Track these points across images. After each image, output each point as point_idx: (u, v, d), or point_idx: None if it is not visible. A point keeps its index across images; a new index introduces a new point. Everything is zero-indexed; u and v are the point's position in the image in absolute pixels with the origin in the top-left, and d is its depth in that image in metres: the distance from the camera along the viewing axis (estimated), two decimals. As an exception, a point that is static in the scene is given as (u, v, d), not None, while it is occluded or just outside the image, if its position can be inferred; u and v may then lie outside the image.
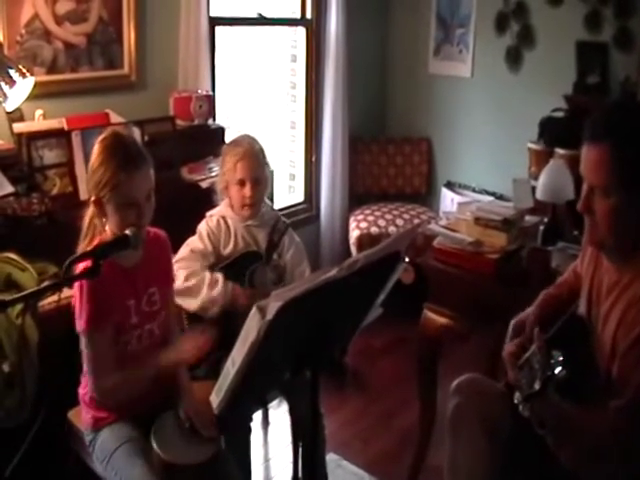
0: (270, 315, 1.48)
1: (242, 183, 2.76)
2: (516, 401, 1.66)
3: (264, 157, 2.84)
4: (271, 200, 3.30)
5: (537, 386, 1.61)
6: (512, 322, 2.13)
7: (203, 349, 2.23)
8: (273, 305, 1.49)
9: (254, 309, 1.51)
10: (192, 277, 2.66)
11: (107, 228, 2.15)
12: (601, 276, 1.90)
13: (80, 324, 2.10)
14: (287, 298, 1.51)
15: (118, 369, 2.16)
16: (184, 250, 2.72)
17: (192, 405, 2.21)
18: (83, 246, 2.15)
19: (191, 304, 2.65)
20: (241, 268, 2.76)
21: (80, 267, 1.92)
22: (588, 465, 1.75)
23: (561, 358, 1.58)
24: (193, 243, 2.76)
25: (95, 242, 2.13)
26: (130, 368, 2.16)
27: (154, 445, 2.12)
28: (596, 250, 1.95)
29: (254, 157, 2.78)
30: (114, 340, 2.18)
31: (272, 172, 2.93)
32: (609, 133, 1.73)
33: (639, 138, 1.72)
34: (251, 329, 1.52)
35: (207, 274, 2.69)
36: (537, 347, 1.72)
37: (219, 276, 2.70)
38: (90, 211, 2.17)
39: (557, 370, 1.58)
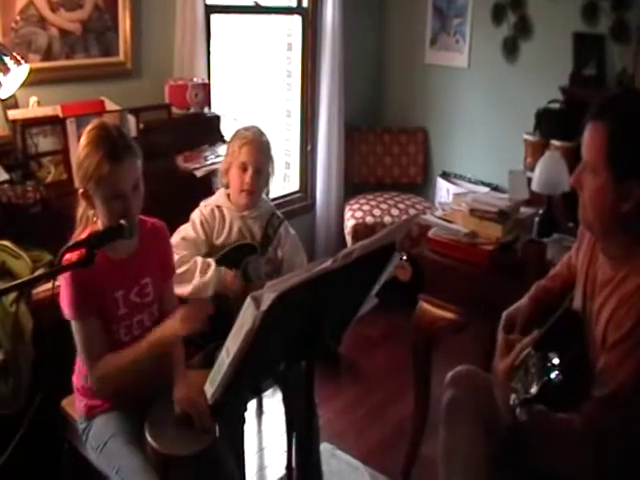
0: (265, 306, 1.48)
1: (244, 167, 2.76)
2: (512, 403, 1.66)
3: (269, 151, 2.87)
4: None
5: (534, 391, 1.60)
6: (504, 313, 2.14)
7: (200, 320, 2.16)
8: (268, 296, 1.48)
9: (249, 299, 1.50)
10: (183, 264, 2.65)
11: (97, 220, 2.15)
12: (596, 271, 1.90)
13: (66, 312, 2.12)
14: (282, 289, 1.50)
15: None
16: (175, 238, 2.71)
17: (187, 395, 2.21)
18: (76, 235, 2.15)
19: (184, 290, 2.65)
20: (235, 260, 2.76)
21: (68, 256, 1.91)
22: (568, 465, 1.77)
23: (557, 361, 1.57)
24: (185, 231, 2.75)
25: (88, 232, 2.12)
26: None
27: (147, 436, 2.12)
28: (592, 241, 1.96)
29: (260, 146, 2.80)
30: (103, 328, 2.18)
31: (274, 168, 2.93)
32: (607, 113, 1.75)
33: (634, 122, 1.74)
34: (246, 319, 1.52)
35: (199, 259, 2.68)
36: (533, 349, 1.72)
37: (211, 261, 2.69)
38: (82, 202, 2.16)
39: (554, 375, 1.57)
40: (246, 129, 2.85)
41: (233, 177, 2.79)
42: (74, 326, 2.13)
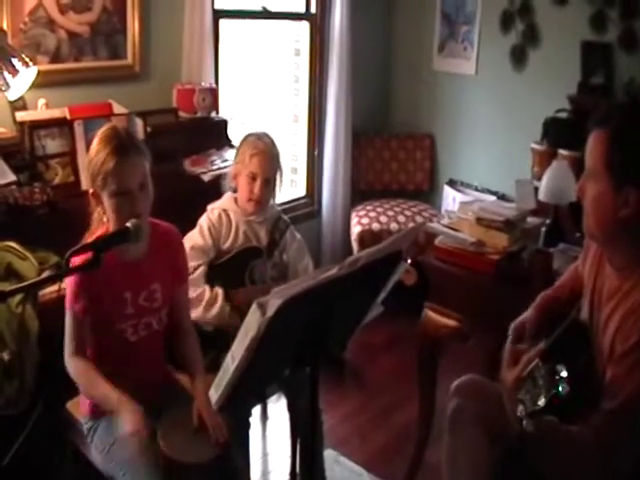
0: (270, 312, 1.48)
1: (253, 177, 2.75)
2: (519, 414, 1.66)
3: (279, 161, 2.85)
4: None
5: (542, 403, 1.60)
6: (512, 325, 2.13)
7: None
8: (273, 302, 1.48)
9: (254, 306, 1.50)
10: (191, 289, 2.60)
11: (108, 221, 2.16)
12: (603, 281, 1.90)
13: (67, 301, 2.15)
14: (287, 296, 1.50)
15: (113, 357, 2.22)
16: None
17: (208, 407, 2.16)
18: (88, 236, 2.16)
19: None
20: (241, 263, 2.75)
21: (77, 259, 1.91)
22: (576, 476, 1.76)
23: (565, 374, 1.57)
24: (193, 239, 2.74)
25: (97, 234, 2.13)
26: (103, 373, 2.16)
27: (160, 440, 2.08)
28: (598, 252, 1.96)
29: (271, 157, 2.80)
30: (108, 328, 2.19)
31: (282, 178, 2.91)
32: (610, 121, 1.76)
33: (634, 130, 1.74)
34: (251, 325, 1.52)
35: (207, 291, 2.65)
36: (541, 360, 1.71)
37: (219, 293, 2.66)
38: (94, 203, 2.18)
39: (561, 387, 1.57)
40: (258, 137, 2.82)
41: (242, 185, 2.79)
42: (67, 315, 2.16)
